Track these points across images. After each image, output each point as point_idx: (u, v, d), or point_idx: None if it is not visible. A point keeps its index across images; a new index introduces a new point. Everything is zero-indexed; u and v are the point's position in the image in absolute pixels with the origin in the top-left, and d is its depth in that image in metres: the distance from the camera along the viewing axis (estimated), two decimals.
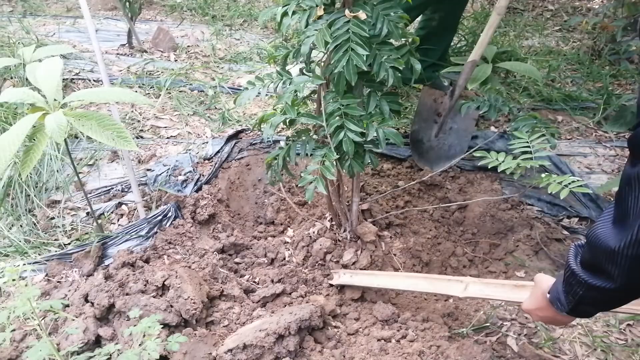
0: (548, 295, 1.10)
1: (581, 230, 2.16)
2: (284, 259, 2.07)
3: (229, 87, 3.11)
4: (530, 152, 1.86)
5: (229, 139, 2.57)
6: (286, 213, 2.37)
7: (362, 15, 1.55)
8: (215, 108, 2.93)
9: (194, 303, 1.56)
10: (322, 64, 1.70)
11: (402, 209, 2.25)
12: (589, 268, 0.92)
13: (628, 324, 1.76)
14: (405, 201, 2.34)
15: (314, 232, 2.15)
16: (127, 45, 3.62)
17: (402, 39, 1.64)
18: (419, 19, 2.94)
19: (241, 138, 2.65)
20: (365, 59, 1.51)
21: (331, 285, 1.90)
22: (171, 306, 1.56)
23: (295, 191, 2.45)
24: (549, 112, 2.99)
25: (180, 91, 3.05)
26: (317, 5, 1.59)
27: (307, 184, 1.54)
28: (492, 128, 2.79)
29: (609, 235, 0.85)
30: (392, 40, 1.62)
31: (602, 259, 0.86)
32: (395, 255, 2.10)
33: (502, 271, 2.02)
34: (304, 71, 1.70)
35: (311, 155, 1.68)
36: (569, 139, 2.75)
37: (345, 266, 2.02)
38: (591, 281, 0.91)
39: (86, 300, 1.67)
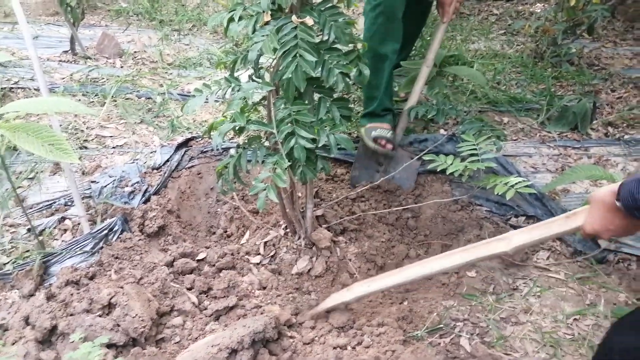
0: (618, 203, 1.08)
1: None
2: (240, 268, 2.03)
3: (178, 94, 3.04)
4: (477, 155, 1.90)
5: (179, 147, 2.50)
6: (240, 222, 2.32)
7: (309, 21, 1.54)
8: (164, 115, 2.85)
9: (142, 321, 1.50)
10: (271, 70, 1.68)
11: (356, 214, 2.25)
12: None
13: (575, 319, 1.82)
14: (359, 206, 2.34)
15: (268, 241, 2.13)
16: (70, 51, 3.48)
17: (351, 45, 1.64)
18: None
19: (192, 146, 2.59)
20: (313, 65, 1.50)
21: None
22: (118, 325, 1.49)
23: (249, 199, 2.41)
24: (495, 114, 3.08)
25: (126, 99, 2.95)
26: (263, 11, 1.57)
27: (259, 192, 1.51)
28: (442, 131, 2.84)
29: None
30: (340, 46, 1.62)
31: None
32: (350, 260, 2.10)
33: (454, 271, 2.05)
34: (253, 77, 1.67)
35: (263, 162, 1.66)
36: (514, 140, 2.83)
37: (300, 274, 2.00)
38: None
39: (27, 323, 1.58)
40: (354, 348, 1.57)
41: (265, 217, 2.31)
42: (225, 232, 2.31)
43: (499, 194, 1.77)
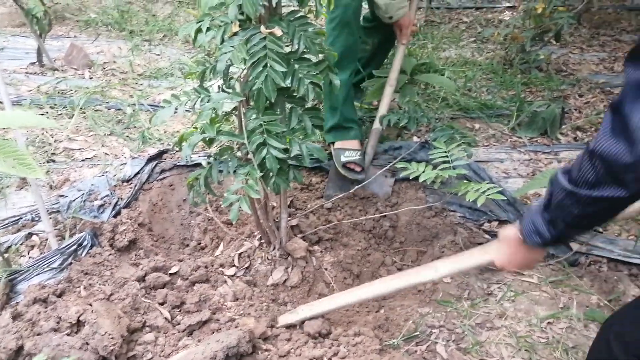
0: (520, 236, 1.20)
1: None
2: (214, 281, 2.00)
3: (149, 105, 2.99)
4: (449, 162, 1.91)
5: (150, 159, 2.46)
6: (214, 233, 2.29)
7: (277, 31, 1.53)
8: (135, 127, 2.81)
9: (112, 338, 1.46)
10: (242, 80, 1.67)
11: (331, 222, 2.24)
12: (592, 185, 0.98)
13: (548, 322, 1.84)
14: (335, 215, 2.33)
15: (243, 252, 2.10)
16: (37, 63, 3.40)
17: (321, 55, 1.64)
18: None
19: (164, 159, 2.55)
20: (283, 75, 1.50)
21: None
22: (87, 344, 1.45)
23: (223, 210, 2.38)
24: (466, 120, 3.12)
25: (95, 110, 2.89)
26: (231, 22, 1.56)
27: (231, 203, 1.49)
28: (415, 138, 2.86)
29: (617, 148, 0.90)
30: (310, 56, 1.62)
31: (619, 171, 0.91)
32: (326, 269, 2.09)
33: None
34: (223, 88, 1.66)
35: (234, 173, 1.64)
36: (486, 146, 2.87)
37: (275, 285, 1.98)
38: (597, 194, 0.97)
39: None
40: (330, 359, 1.55)
41: (239, 228, 2.28)
42: (199, 244, 2.28)
43: (471, 200, 1.78)
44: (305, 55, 1.60)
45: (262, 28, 1.52)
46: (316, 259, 2.09)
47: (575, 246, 2.17)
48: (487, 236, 2.24)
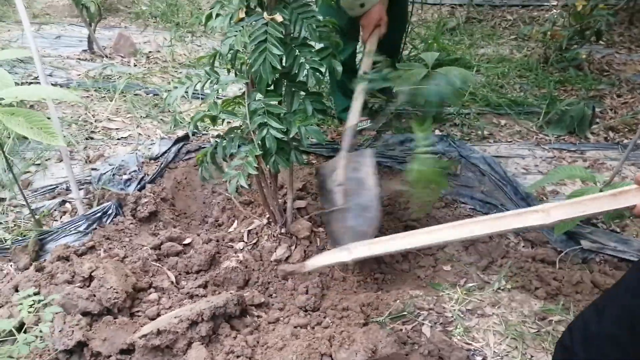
0: None
1: None
2: (223, 253, 2.13)
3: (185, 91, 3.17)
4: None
5: (178, 140, 2.63)
6: (231, 212, 2.42)
7: (278, 17, 1.63)
8: (169, 111, 3.00)
9: (116, 292, 1.61)
10: (247, 64, 1.78)
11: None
12: None
13: (543, 316, 1.84)
14: None
15: (252, 229, 2.22)
16: (88, 50, 3.68)
17: (323, 42, 1.72)
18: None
19: (191, 140, 2.71)
20: (279, 58, 1.59)
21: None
22: (94, 295, 1.61)
23: (242, 191, 2.51)
24: (494, 116, 3.10)
25: (135, 94, 3.11)
26: (239, 9, 1.68)
27: (230, 178, 1.61)
28: (437, 132, 2.89)
29: None
30: (313, 43, 1.70)
31: None
32: (329, 249, 2.16)
33: (430, 265, 2.09)
34: (232, 71, 1.78)
35: (237, 150, 1.75)
36: (509, 142, 2.85)
37: (278, 261, 2.08)
38: None
39: (16, 290, 1.71)
40: (312, 327, 1.64)
41: (254, 208, 2.40)
42: (217, 221, 2.42)
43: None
44: (310, 42, 1.69)
45: (265, 14, 1.63)
46: (320, 239, 2.17)
47: (585, 244, 2.14)
48: None
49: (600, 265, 2.09)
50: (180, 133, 2.73)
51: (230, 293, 1.62)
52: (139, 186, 2.36)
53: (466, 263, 2.09)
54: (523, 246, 2.18)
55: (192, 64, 3.59)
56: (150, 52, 3.74)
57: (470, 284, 1.96)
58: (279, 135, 1.67)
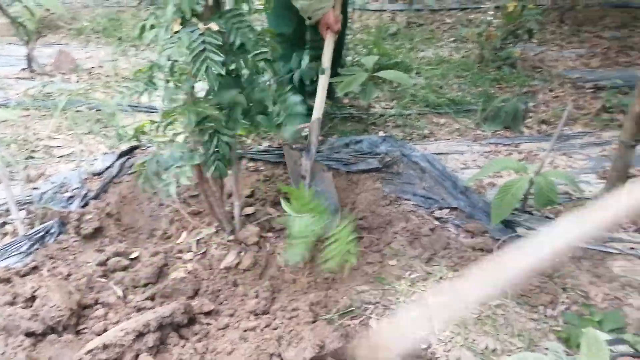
0: None
1: (451, 219, 2.34)
2: (172, 265, 2.13)
3: (128, 105, 3.16)
4: None
5: (122, 154, 2.61)
6: (180, 223, 2.42)
7: (214, 26, 1.67)
8: (112, 126, 2.96)
9: (59, 310, 1.59)
10: (188, 74, 1.80)
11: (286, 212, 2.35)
12: None
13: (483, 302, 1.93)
14: None
15: (200, 239, 2.23)
16: (27, 69, 3.59)
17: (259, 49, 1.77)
18: None
19: (136, 154, 2.70)
20: (221, 64, 1.63)
21: None
22: (37, 315, 1.58)
23: (190, 201, 2.52)
24: (434, 115, 3.22)
25: (77, 111, 3.06)
26: (173, 20, 1.70)
27: (163, 186, 1.62)
28: (381, 133, 2.97)
29: None
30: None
31: None
32: (279, 254, 2.20)
33: (378, 261, 2.15)
34: (171, 82, 1.80)
35: (178, 160, 1.77)
36: (448, 139, 2.97)
37: (228, 268, 2.10)
38: None
39: None
40: (261, 330, 1.66)
41: (203, 217, 2.41)
42: (165, 233, 2.40)
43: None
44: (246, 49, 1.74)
45: (200, 25, 1.66)
46: (270, 244, 2.21)
47: (521, 231, 2.25)
48: (436, 222, 2.33)
49: None
50: (124, 147, 2.71)
51: (177, 302, 1.63)
52: (82, 203, 2.32)
53: (411, 256, 2.16)
54: (463, 237, 2.28)
55: (136, 78, 3.55)
56: (92, 67, 3.69)
57: (415, 276, 2.04)
58: (231, 141, 1.71)
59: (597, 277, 2.04)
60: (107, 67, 3.70)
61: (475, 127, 3.13)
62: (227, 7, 1.78)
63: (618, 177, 2.31)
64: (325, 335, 1.54)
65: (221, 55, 1.63)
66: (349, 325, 1.78)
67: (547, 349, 1.73)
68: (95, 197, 2.38)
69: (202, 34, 1.65)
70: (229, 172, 1.92)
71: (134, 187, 2.54)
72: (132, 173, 2.57)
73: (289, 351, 1.50)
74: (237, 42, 1.71)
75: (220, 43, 1.66)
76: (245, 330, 1.67)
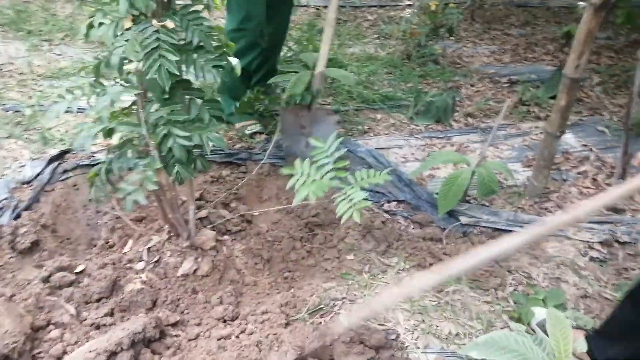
0: None
1: (399, 212, 2.44)
2: (123, 276, 2.01)
3: (49, 105, 2.90)
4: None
5: (51, 160, 2.41)
6: (122, 231, 2.28)
7: (169, 24, 1.59)
8: (35, 129, 2.72)
9: (13, 336, 1.45)
10: (138, 73, 1.70)
11: (239, 213, 2.32)
12: None
13: (440, 289, 2.03)
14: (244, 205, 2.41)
15: (152, 246, 2.13)
16: None
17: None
18: None
19: (67, 159, 2.50)
20: (175, 64, 1.55)
21: None
22: None
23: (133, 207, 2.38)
24: (369, 111, 3.31)
25: None
26: (125, 17, 1.60)
27: (126, 195, 1.53)
28: None
29: None
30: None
31: None
32: (237, 257, 2.16)
33: (335, 257, 2.19)
34: (120, 81, 1.69)
35: (134, 166, 1.67)
36: (386, 134, 3.07)
37: (186, 275, 2.02)
38: None
39: None
40: (237, 337, 1.63)
41: (149, 223, 2.29)
42: (107, 242, 2.26)
43: (339, 215, 1.77)
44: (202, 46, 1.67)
45: (154, 21, 1.57)
46: (227, 247, 2.16)
47: (464, 219, 2.39)
48: (386, 215, 2.41)
49: (478, 236, 2.36)
50: (54, 152, 2.50)
51: (146, 316, 1.55)
52: (14, 215, 2.12)
53: (367, 250, 2.22)
54: (413, 228, 2.38)
55: (55, 75, 3.28)
56: (2, 64, 3.34)
57: (374, 269, 2.10)
58: (186, 143, 1.64)
59: (535, 258, 2.23)
60: (19, 63, 3.37)
61: (409, 121, 3.26)
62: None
63: (544, 165, 2.53)
64: (305, 336, 1.55)
65: (176, 54, 1.56)
66: (320, 322, 1.80)
67: (507, 327, 1.87)
68: (27, 208, 2.18)
69: (156, 31, 1.58)
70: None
71: (67, 194, 2.36)
72: (64, 179, 2.39)
73: (271, 356, 1.49)
74: (195, 41, 1.64)
75: (175, 42, 1.59)
76: (219, 339, 1.62)
